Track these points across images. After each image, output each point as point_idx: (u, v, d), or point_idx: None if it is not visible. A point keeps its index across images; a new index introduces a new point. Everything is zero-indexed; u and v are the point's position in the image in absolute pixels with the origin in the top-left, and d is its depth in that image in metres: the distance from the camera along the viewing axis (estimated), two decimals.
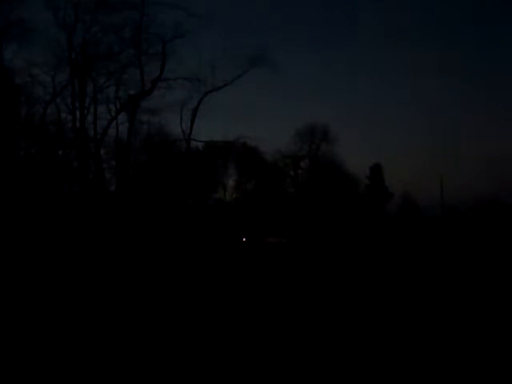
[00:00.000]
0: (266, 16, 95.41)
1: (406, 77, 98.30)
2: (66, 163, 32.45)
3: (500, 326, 8.87)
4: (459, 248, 33.98)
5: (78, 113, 30.85)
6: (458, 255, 28.21)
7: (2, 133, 27.39)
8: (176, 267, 22.29)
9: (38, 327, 9.30)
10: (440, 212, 55.50)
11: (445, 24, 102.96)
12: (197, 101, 35.64)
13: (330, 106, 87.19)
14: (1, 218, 25.29)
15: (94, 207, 29.46)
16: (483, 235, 43.28)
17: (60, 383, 6.19)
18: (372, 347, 7.50)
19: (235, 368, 6.59)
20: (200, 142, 39.10)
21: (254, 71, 36.27)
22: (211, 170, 46.09)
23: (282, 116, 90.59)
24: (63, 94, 31.02)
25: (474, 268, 20.22)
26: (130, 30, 31.20)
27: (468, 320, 9.50)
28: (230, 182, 51.92)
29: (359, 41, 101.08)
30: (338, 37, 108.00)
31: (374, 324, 9.21)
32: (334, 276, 18.41)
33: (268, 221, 47.06)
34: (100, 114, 32.20)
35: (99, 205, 30.02)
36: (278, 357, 7.04)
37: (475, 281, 15.86)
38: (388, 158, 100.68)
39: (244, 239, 44.87)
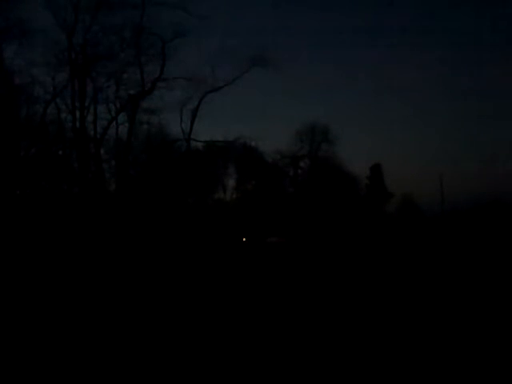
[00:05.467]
0: (266, 16, 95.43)
1: (406, 77, 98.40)
2: (66, 163, 32.43)
3: (500, 325, 8.87)
4: (459, 248, 33.96)
5: (78, 113, 30.89)
6: (458, 255, 28.19)
7: (2, 133, 27.37)
8: (176, 267, 22.29)
9: (38, 327, 9.30)
10: (440, 212, 55.54)
11: (445, 24, 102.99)
12: (197, 101, 35.76)
13: (330, 105, 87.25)
14: (1, 218, 25.28)
15: (94, 207, 29.45)
16: (483, 235, 43.25)
17: (60, 383, 6.19)
18: (371, 346, 7.50)
19: (235, 367, 6.59)
20: (200, 142, 39.20)
21: (254, 71, 36.31)
22: (211, 170, 46.06)
23: (282, 116, 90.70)
24: (63, 94, 31.09)
25: (475, 267, 20.21)
26: (130, 30, 31.26)
27: (468, 319, 9.51)
28: (230, 182, 51.94)
29: (359, 40, 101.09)
30: (338, 37, 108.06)
31: (373, 323, 9.21)
32: (333, 275, 18.40)
33: (268, 221, 47.03)
34: (100, 113, 32.29)
35: (99, 205, 30.00)
36: (278, 355, 7.04)
37: (475, 280, 15.86)
38: (388, 158, 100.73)
39: (244, 239, 44.86)
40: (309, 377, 6.23)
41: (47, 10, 29.76)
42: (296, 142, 54.36)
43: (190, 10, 31.36)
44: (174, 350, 7.50)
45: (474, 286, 14.47)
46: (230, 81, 35.33)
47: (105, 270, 20.29)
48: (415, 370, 6.36)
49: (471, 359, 6.81)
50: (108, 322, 9.83)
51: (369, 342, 7.78)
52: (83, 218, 28.43)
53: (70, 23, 30.06)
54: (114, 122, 33.29)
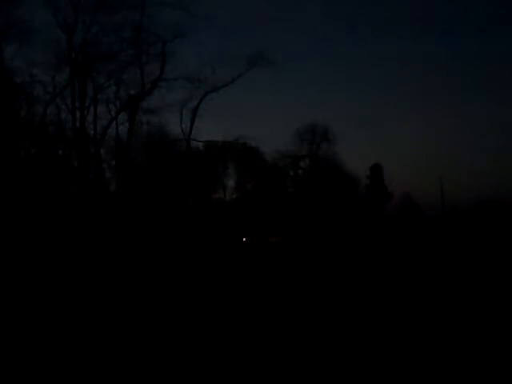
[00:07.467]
0: (266, 16, 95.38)
1: (406, 76, 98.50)
2: (66, 163, 32.42)
3: (500, 325, 8.86)
4: (459, 247, 33.95)
5: (78, 113, 30.87)
6: (458, 254, 28.19)
7: (2, 133, 27.36)
8: (176, 267, 22.29)
9: (38, 327, 9.29)
10: (440, 212, 55.56)
11: (445, 22, 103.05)
12: (197, 101, 35.71)
13: (330, 106, 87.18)
14: (1, 218, 25.27)
15: (94, 207, 29.44)
16: (483, 235, 43.25)
17: (60, 383, 6.19)
18: (371, 346, 7.49)
19: (235, 367, 6.59)
20: (200, 142, 39.21)
21: (253, 71, 36.24)
22: (211, 170, 46.05)
23: (282, 116, 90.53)
24: (63, 94, 31.04)
25: (475, 267, 20.20)
26: (130, 30, 31.24)
27: (468, 319, 9.50)
28: (230, 182, 51.94)
29: (359, 40, 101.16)
30: (338, 36, 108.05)
31: (373, 323, 9.21)
32: (334, 275, 18.39)
33: (268, 221, 47.01)
34: (100, 113, 32.23)
35: (99, 205, 29.99)
36: (278, 355, 7.04)
37: (475, 280, 15.85)
38: (388, 158, 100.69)
39: (244, 239, 44.83)
40: (307, 376, 6.22)
41: (47, 9, 29.78)
42: (296, 142, 54.46)
43: (190, 10, 31.34)
44: (173, 349, 7.50)
45: (473, 286, 14.47)
46: (229, 81, 35.37)
47: (105, 270, 20.29)
48: (414, 370, 6.36)
49: (471, 358, 6.81)
50: (108, 321, 9.83)
51: (368, 342, 7.77)
52: (83, 218, 28.42)
53: (70, 23, 30.09)
54: (114, 122, 33.33)
